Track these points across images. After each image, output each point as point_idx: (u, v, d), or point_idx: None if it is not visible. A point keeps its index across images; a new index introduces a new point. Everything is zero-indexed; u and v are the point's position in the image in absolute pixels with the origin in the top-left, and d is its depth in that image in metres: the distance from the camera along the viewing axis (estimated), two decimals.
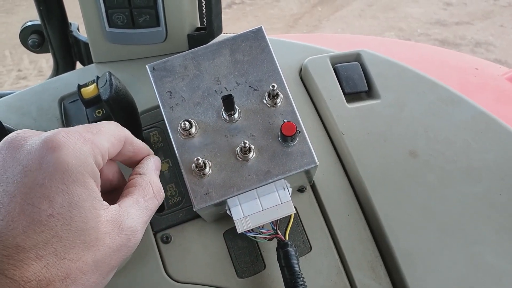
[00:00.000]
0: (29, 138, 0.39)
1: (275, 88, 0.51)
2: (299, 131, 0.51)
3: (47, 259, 0.35)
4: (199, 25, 0.75)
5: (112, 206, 0.41)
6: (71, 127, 0.41)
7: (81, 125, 0.42)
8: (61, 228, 0.36)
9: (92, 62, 0.75)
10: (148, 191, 0.45)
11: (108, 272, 0.40)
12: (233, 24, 3.33)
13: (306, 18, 3.44)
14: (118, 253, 0.40)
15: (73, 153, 0.38)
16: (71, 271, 0.36)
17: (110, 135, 0.43)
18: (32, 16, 0.80)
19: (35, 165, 0.37)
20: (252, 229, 0.54)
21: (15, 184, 0.36)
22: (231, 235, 0.59)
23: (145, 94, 0.67)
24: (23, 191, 0.36)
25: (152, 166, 0.48)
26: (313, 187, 0.62)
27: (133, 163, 0.49)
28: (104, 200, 0.40)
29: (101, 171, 0.43)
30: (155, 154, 0.51)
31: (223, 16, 0.74)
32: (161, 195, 0.47)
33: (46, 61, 2.97)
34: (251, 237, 0.56)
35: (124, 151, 0.46)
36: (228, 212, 0.54)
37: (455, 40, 3.12)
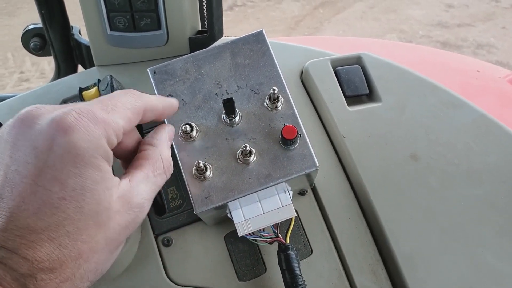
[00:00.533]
0: (42, 116, 0.38)
1: (276, 91, 0.51)
2: (300, 134, 0.51)
3: (59, 240, 0.35)
4: (200, 28, 0.75)
5: (123, 181, 0.41)
6: (84, 105, 0.39)
7: (95, 101, 0.41)
8: (73, 210, 0.36)
9: (93, 65, 0.75)
10: (158, 165, 0.44)
11: (116, 247, 0.41)
12: (234, 26, 3.34)
13: (308, 20, 3.44)
14: (127, 229, 0.40)
15: (85, 137, 0.37)
16: (83, 251, 0.36)
17: (127, 109, 0.42)
18: (34, 18, 0.80)
19: (46, 147, 0.36)
20: (253, 232, 0.54)
21: (26, 165, 0.36)
22: (232, 238, 0.59)
23: None
24: (34, 173, 0.35)
25: (165, 137, 0.47)
26: (314, 190, 0.62)
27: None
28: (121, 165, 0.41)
29: (118, 143, 0.42)
30: None
31: (224, 18, 0.74)
32: (170, 170, 0.46)
33: (48, 63, 2.98)
34: (252, 240, 0.56)
35: (145, 119, 0.45)
36: (229, 215, 0.54)
37: (456, 42, 3.12)
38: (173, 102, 0.50)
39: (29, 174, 0.36)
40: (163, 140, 0.47)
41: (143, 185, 0.42)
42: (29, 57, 3.01)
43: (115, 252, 0.42)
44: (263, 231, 0.55)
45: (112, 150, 0.41)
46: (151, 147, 0.46)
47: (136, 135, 0.48)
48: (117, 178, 0.40)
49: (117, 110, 0.41)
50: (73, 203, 0.36)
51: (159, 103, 0.47)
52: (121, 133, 0.41)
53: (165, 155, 0.46)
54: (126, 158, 0.47)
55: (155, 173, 0.44)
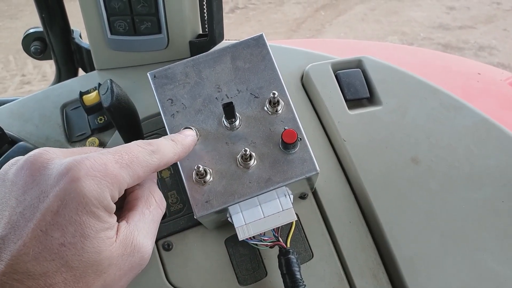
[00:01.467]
0: (52, 161, 0.38)
1: (276, 95, 0.51)
2: (300, 139, 0.51)
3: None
4: (200, 32, 0.75)
5: (121, 224, 0.40)
6: (99, 156, 0.39)
7: (112, 151, 0.41)
8: (71, 258, 0.36)
9: (94, 69, 0.76)
10: (151, 201, 0.44)
11: None
12: (236, 29, 3.34)
13: (309, 22, 3.45)
14: (130, 273, 0.40)
15: (91, 186, 0.37)
16: None
17: (140, 167, 0.41)
18: (36, 21, 0.81)
19: (54, 193, 0.36)
20: (253, 236, 0.54)
21: (31, 209, 0.36)
22: (233, 242, 0.59)
23: (147, 101, 0.67)
24: (38, 217, 0.36)
25: (150, 175, 0.47)
26: (315, 194, 0.62)
27: None
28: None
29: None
30: None
31: (226, 20, 0.74)
32: (163, 203, 0.46)
33: (50, 66, 2.99)
34: (253, 244, 0.56)
35: (159, 170, 0.45)
36: (229, 219, 0.54)
37: (458, 44, 3.12)
38: (190, 145, 0.49)
39: (33, 218, 0.36)
40: (148, 178, 0.46)
41: (142, 223, 0.42)
42: (30, 60, 3.02)
43: None
44: (264, 235, 0.55)
45: None
46: (138, 186, 0.45)
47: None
48: (115, 226, 0.40)
49: (130, 167, 0.40)
50: (72, 250, 0.36)
51: (175, 155, 0.46)
52: (124, 189, 0.40)
53: (155, 190, 0.46)
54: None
55: (150, 209, 0.44)
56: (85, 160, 0.38)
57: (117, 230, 0.40)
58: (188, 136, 0.50)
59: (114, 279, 0.38)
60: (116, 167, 0.39)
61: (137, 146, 0.43)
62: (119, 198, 0.42)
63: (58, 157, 0.39)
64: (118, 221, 0.41)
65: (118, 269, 0.39)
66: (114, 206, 0.39)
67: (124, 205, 0.44)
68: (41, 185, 0.37)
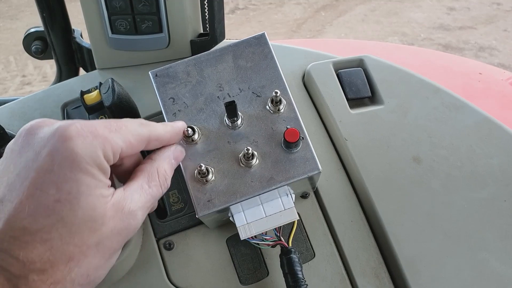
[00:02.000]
0: (45, 126, 0.40)
1: (278, 94, 0.50)
2: (302, 138, 0.51)
3: (51, 243, 0.36)
4: (201, 31, 0.75)
5: (118, 190, 0.42)
6: (90, 121, 0.41)
7: (102, 120, 0.43)
8: (67, 213, 0.37)
9: (95, 68, 0.75)
10: (153, 177, 0.45)
11: (110, 254, 0.41)
12: (236, 29, 3.34)
13: (310, 23, 3.45)
14: (119, 236, 0.41)
15: (82, 145, 0.38)
16: (74, 254, 0.37)
17: (130, 134, 0.43)
18: (36, 22, 0.80)
19: (46, 152, 0.38)
20: (255, 236, 0.54)
21: (26, 169, 0.38)
22: (234, 242, 0.59)
23: (148, 101, 0.67)
24: (33, 176, 0.37)
25: (166, 154, 0.48)
26: (316, 193, 0.61)
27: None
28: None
29: (120, 165, 0.46)
30: None
31: (226, 21, 0.74)
32: (165, 184, 0.47)
33: (50, 66, 2.99)
34: (254, 244, 0.56)
35: (150, 147, 0.46)
36: (231, 218, 0.54)
37: (458, 44, 3.12)
38: (180, 129, 0.50)
39: (28, 177, 0.37)
40: (163, 156, 0.48)
41: (137, 194, 0.43)
42: (31, 61, 3.02)
43: (109, 261, 0.42)
44: (266, 234, 0.55)
45: (113, 171, 0.45)
46: (150, 160, 0.47)
47: (139, 158, 0.49)
48: (112, 188, 0.41)
49: (120, 132, 0.42)
50: (67, 206, 0.37)
51: (166, 133, 0.48)
52: (118, 153, 0.42)
53: (162, 169, 0.46)
54: (124, 178, 0.48)
55: (150, 184, 0.45)
56: (75, 122, 0.39)
57: (113, 193, 0.41)
58: (178, 122, 0.51)
59: (107, 238, 0.40)
60: (106, 131, 0.41)
61: (128, 118, 0.45)
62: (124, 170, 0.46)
63: (52, 123, 0.40)
64: (118, 187, 0.43)
65: (111, 229, 0.40)
66: (108, 167, 0.41)
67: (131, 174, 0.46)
68: (35, 146, 0.39)
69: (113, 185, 0.43)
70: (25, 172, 0.38)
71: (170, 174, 0.47)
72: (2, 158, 0.41)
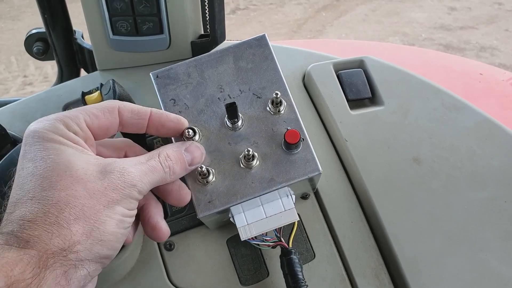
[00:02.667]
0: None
1: (278, 95, 0.51)
2: (303, 139, 0.51)
3: (37, 197, 0.39)
4: (202, 32, 0.75)
5: (108, 158, 0.44)
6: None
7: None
8: (44, 170, 0.40)
9: (96, 69, 0.76)
10: (152, 156, 0.45)
11: (107, 202, 0.41)
12: (237, 30, 3.34)
13: (310, 23, 3.45)
14: (113, 186, 0.41)
15: (41, 125, 0.42)
16: (60, 197, 0.39)
17: (91, 107, 0.45)
18: (37, 22, 0.81)
19: (22, 146, 0.42)
20: (255, 237, 0.54)
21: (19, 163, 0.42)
22: (235, 243, 0.59)
23: (149, 102, 0.67)
24: (19, 164, 0.42)
25: (175, 144, 0.49)
26: (317, 194, 0.62)
27: (161, 132, 0.50)
28: None
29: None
30: None
31: (227, 21, 0.74)
32: (166, 164, 0.46)
33: (51, 67, 2.99)
34: (255, 245, 0.56)
35: (128, 120, 0.47)
36: (231, 219, 0.54)
37: (459, 44, 3.12)
38: (180, 118, 0.51)
39: (18, 168, 0.42)
40: (170, 145, 0.48)
41: (131, 162, 0.44)
42: (32, 61, 3.02)
43: (112, 210, 0.41)
44: (266, 235, 0.55)
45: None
46: (156, 149, 0.48)
47: (141, 150, 0.51)
48: (98, 156, 0.44)
49: (79, 109, 0.45)
50: (43, 166, 0.40)
51: (144, 108, 0.48)
52: (83, 123, 0.44)
53: (164, 152, 0.46)
54: None
55: (148, 160, 0.45)
56: (39, 119, 0.43)
57: (99, 157, 0.43)
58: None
59: (98, 188, 0.41)
60: (64, 112, 0.44)
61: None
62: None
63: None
64: None
65: (99, 179, 0.41)
66: (77, 137, 0.43)
67: None
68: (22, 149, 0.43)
69: None
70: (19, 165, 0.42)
71: (175, 159, 0.47)
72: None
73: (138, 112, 0.48)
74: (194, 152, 0.49)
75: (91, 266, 0.40)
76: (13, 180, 0.43)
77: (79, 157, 0.42)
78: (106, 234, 0.41)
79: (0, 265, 0.35)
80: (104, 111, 0.45)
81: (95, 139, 0.46)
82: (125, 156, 0.49)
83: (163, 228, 0.48)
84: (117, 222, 0.42)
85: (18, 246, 0.37)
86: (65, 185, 0.39)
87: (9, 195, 0.42)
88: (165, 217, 0.58)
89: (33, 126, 0.42)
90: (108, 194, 0.41)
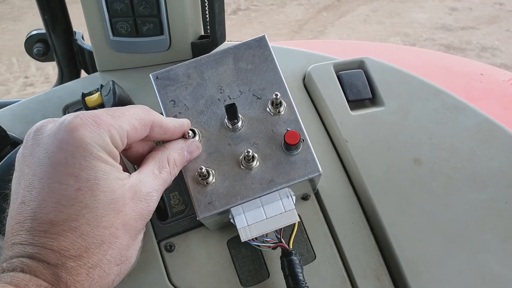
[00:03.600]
0: (50, 123, 0.42)
1: (278, 96, 0.51)
2: (303, 140, 0.51)
3: (81, 229, 0.38)
4: (202, 33, 0.75)
5: (133, 174, 0.44)
6: (93, 110, 0.43)
7: (104, 109, 0.44)
8: (90, 199, 0.38)
9: (96, 70, 0.76)
10: (163, 164, 0.47)
11: (136, 234, 0.43)
12: (238, 31, 3.34)
13: (311, 23, 3.44)
14: (141, 216, 0.43)
15: (89, 134, 0.40)
16: (105, 237, 0.39)
17: (134, 118, 0.44)
18: (39, 23, 0.81)
19: (57, 146, 0.39)
20: (256, 238, 0.54)
21: (41, 167, 0.39)
22: (235, 244, 0.59)
23: (149, 103, 0.66)
24: (49, 171, 0.38)
25: (179, 145, 0.49)
26: (317, 195, 0.61)
27: (167, 139, 0.51)
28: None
29: (131, 149, 0.48)
30: None
31: (228, 22, 0.74)
32: (174, 172, 0.48)
33: (52, 68, 2.99)
34: (255, 246, 0.56)
35: (154, 134, 0.48)
36: (231, 220, 0.54)
37: (460, 45, 3.11)
38: (184, 122, 0.51)
39: (45, 174, 0.39)
40: (175, 147, 0.49)
41: (150, 178, 0.45)
42: (34, 62, 3.02)
43: (136, 240, 0.44)
44: (266, 236, 0.55)
45: (126, 156, 0.47)
46: (162, 148, 0.49)
47: (150, 143, 0.51)
48: (126, 173, 0.43)
49: (123, 117, 0.43)
50: (88, 193, 0.38)
51: (169, 122, 0.49)
52: (125, 137, 0.43)
53: (172, 157, 0.48)
54: (138, 163, 0.50)
55: (161, 171, 0.46)
56: (79, 114, 0.41)
57: (128, 177, 0.43)
58: (182, 119, 0.52)
59: (131, 219, 0.41)
60: (109, 118, 0.42)
61: (131, 105, 0.47)
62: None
63: (56, 120, 0.42)
64: (133, 173, 0.45)
65: (132, 210, 0.41)
66: (117, 153, 0.43)
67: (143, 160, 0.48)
68: (44, 144, 0.40)
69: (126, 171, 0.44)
70: (40, 170, 0.39)
71: (179, 164, 0.49)
72: (15, 167, 0.43)
73: (165, 128, 0.49)
74: (194, 152, 0.51)
75: None
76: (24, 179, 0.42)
77: (118, 183, 0.41)
78: (131, 264, 0.44)
79: None
80: (142, 123, 0.45)
81: None
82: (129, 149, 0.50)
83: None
84: (137, 250, 0.45)
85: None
86: (109, 222, 0.40)
87: (8, 195, 0.42)
88: (165, 219, 0.59)
89: (79, 132, 0.39)
90: (138, 226, 0.43)
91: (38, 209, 0.38)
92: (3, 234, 0.42)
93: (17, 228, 0.38)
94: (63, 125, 0.40)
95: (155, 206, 0.45)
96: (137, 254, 0.45)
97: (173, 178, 0.48)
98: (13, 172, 0.43)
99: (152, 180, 0.45)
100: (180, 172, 0.51)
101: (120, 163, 0.43)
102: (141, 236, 0.45)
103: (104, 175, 0.39)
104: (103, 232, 0.39)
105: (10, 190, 0.43)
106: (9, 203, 0.42)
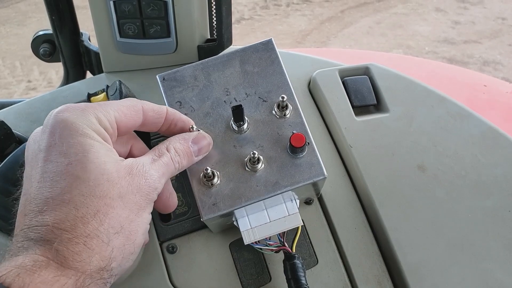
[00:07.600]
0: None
1: (284, 99, 0.51)
2: (308, 143, 0.51)
3: (74, 200, 0.38)
4: (209, 37, 0.75)
5: (129, 158, 0.44)
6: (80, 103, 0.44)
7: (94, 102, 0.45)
8: (81, 171, 0.39)
9: (102, 72, 0.76)
10: (162, 151, 0.46)
11: (138, 209, 0.42)
12: (241, 40, 3.35)
13: (314, 34, 3.46)
14: (141, 191, 0.42)
15: (74, 115, 0.41)
16: (100, 206, 0.39)
17: (120, 105, 0.45)
18: (43, 28, 0.81)
19: (47, 133, 0.41)
20: (258, 241, 0.54)
21: (35, 156, 0.41)
22: (237, 247, 0.59)
23: None
24: (43, 156, 0.40)
25: (181, 136, 0.49)
26: (320, 199, 0.61)
27: (172, 131, 0.51)
28: None
29: (132, 150, 0.49)
30: None
31: None
32: (176, 159, 0.47)
33: (55, 72, 3.00)
34: (258, 249, 0.56)
35: (149, 119, 0.48)
36: (235, 223, 0.54)
37: (463, 58, 3.12)
38: (175, 112, 0.51)
39: (40, 160, 0.40)
40: (177, 138, 0.49)
41: (148, 161, 0.45)
42: (37, 66, 3.03)
43: (140, 217, 0.43)
44: (269, 239, 0.55)
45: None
46: (166, 141, 0.48)
47: (144, 146, 0.51)
48: (121, 157, 0.44)
49: (110, 104, 0.44)
50: (78, 165, 0.39)
51: (162, 107, 0.49)
52: (113, 121, 0.44)
53: (172, 146, 0.47)
54: None
55: (160, 156, 0.46)
56: (66, 105, 0.43)
57: (123, 160, 0.43)
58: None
59: (129, 192, 0.41)
60: (95, 105, 0.43)
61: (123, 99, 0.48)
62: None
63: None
64: None
65: (129, 184, 0.41)
66: (107, 134, 0.43)
67: None
68: (38, 138, 0.42)
69: None
70: (35, 159, 0.41)
71: (183, 154, 0.48)
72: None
73: (158, 111, 0.48)
74: (201, 142, 0.50)
75: (114, 279, 0.41)
76: (24, 170, 0.43)
77: (111, 157, 0.41)
78: (136, 246, 0.42)
79: (35, 285, 0.34)
80: (131, 109, 0.46)
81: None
82: (131, 151, 0.50)
83: (175, 199, 0.51)
84: (143, 231, 0.44)
85: (56, 262, 0.36)
86: (104, 191, 0.39)
87: (17, 186, 0.43)
88: (168, 220, 0.59)
89: (63, 114, 0.41)
90: (138, 201, 0.42)
91: (36, 191, 0.39)
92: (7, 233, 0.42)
93: (19, 219, 0.40)
94: (51, 115, 0.41)
95: (159, 185, 0.44)
96: (143, 234, 0.43)
97: (178, 167, 0.47)
98: (18, 169, 0.44)
99: (150, 163, 0.44)
100: (185, 173, 0.51)
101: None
102: (145, 213, 0.44)
103: (92, 148, 0.40)
104: (97, 201, 0.39)
105: (16, 188, 0.44)
106: (17, 203, 0.43)
